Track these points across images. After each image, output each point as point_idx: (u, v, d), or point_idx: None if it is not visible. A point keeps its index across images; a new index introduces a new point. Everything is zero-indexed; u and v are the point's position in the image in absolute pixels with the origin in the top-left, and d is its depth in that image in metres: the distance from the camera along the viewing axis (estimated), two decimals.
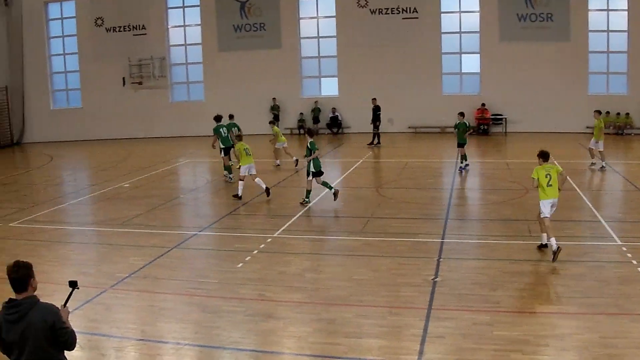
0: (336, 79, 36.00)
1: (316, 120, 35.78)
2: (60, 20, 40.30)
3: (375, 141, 30.91)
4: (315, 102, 35.77)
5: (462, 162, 23.33)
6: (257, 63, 36.22)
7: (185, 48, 38.46)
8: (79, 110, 39.78)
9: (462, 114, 23.44)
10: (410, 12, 34.18)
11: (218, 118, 23.58)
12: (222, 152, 23.39)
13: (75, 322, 7.84)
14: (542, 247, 13.25)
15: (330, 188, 18.61)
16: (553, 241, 12.50)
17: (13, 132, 40.11)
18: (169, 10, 38.22)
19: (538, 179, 12.85)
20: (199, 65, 38.13)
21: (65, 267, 14.29)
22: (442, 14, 34.81)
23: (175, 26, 38.36)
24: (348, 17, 34.91)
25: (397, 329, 9.91)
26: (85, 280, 13.07)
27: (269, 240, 15.15)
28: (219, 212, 19.02)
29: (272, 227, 16.32)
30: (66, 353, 6.25)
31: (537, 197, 13.06)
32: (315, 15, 35.94)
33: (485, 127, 34.20)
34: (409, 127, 34.53)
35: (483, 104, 34.25)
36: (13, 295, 5.98)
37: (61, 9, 40.08)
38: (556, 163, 14.33)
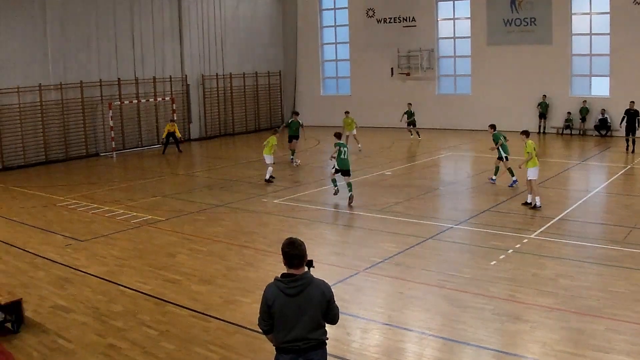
0: (608, 78, 34.15)
1: (583, 120, 34.29)
2: (333, 11, 42.33)
3: (630, 148, 28.66)
4: (584, 101, 34.21)
5: None
6: (526, 58, 35.31)
7: (454, 41, 38.47)
8: (348, 97, 41.39)
9: None
10: None
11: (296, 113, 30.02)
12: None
13: None
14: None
15: (350, 190, 19.38)
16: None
17: (284, 114, 42.81)
18: (439, 3, 38.45)
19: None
20: (467, 58, 38.00)
21: (322, 247, 15.18)
22: None
23: (445, 19, 38.51)
24: (623, 14, 32.76)
25: None
26: (340, 260, 13.85)
27: (525, 240, 14.96)
28: (478, 207, 18.97)
29: (530, 228, 16.11)
30: None
31: None
32: (589, 11, 34.27)
33: None
34: None
35: None
36: (277, 268, 6.43)
37: (334, 0, 42.00)
38: None
